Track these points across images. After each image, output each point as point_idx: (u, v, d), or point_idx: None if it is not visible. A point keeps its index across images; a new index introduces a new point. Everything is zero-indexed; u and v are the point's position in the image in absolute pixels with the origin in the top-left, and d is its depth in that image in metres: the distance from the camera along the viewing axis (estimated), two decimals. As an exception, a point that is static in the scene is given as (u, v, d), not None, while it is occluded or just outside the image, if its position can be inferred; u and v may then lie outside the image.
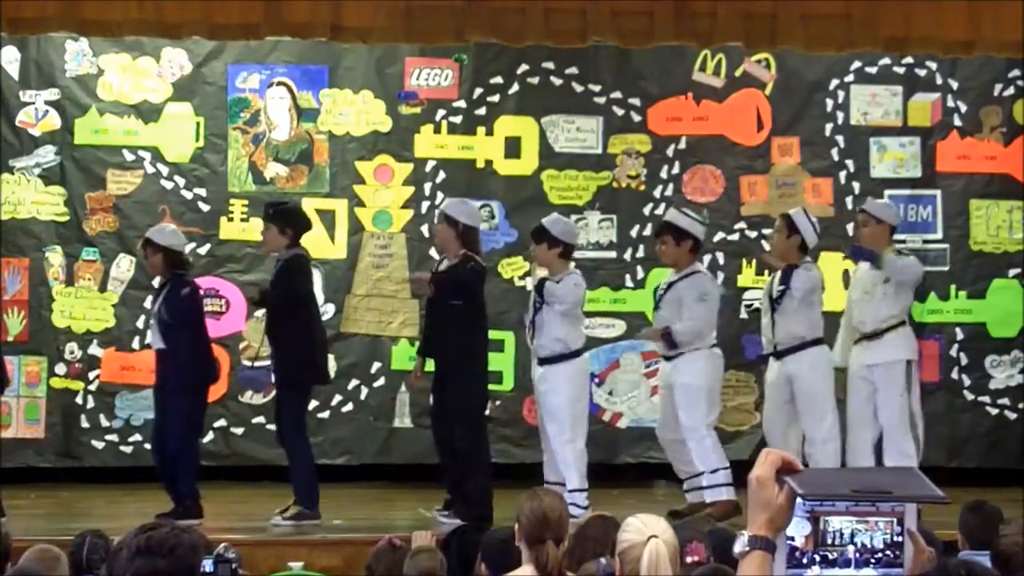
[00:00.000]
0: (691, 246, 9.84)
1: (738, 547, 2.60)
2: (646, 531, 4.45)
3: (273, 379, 10.08)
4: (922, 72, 12.09)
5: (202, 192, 11.77)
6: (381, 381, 11.76)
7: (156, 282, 10.46)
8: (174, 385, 9.66)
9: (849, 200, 12.09)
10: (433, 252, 11.76)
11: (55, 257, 11.56)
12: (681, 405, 9.63)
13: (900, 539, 2.60)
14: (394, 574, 5.93)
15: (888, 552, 2.60)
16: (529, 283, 11.87)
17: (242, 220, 11.75)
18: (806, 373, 9.71)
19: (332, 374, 11.53)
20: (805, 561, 2.61)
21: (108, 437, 11.55)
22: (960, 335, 12.05)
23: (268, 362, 10.28)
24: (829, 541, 2.61)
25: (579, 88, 11.99)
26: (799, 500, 2.59)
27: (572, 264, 9.84)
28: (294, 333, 9.60)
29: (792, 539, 2.61)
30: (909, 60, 12.02)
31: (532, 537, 5.00)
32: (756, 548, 2.59)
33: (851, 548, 2.60)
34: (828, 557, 2.61)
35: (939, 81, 12.12)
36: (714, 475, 9.58)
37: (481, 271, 9.62)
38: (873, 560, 2.60)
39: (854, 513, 2.60)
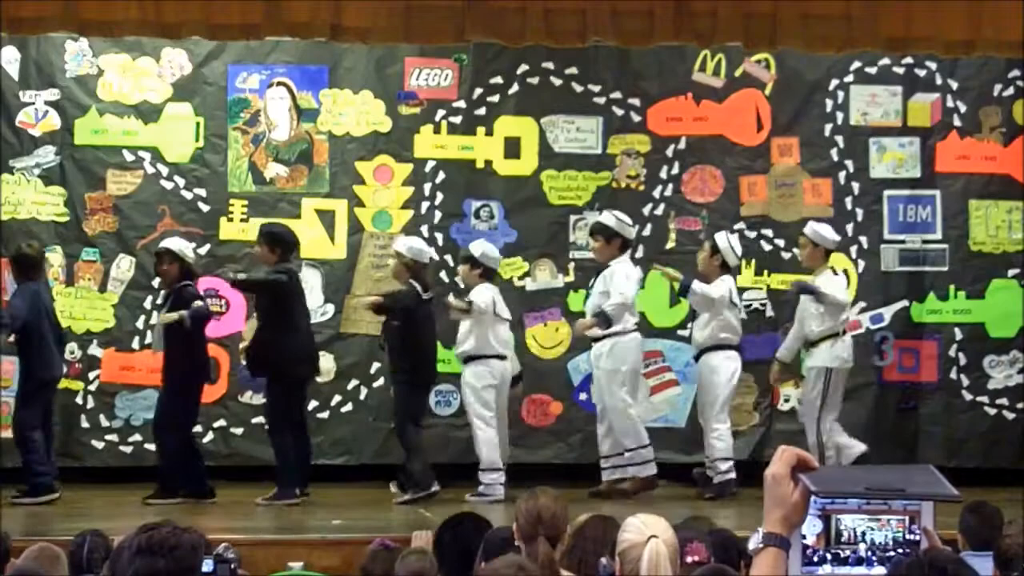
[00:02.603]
0: (620, 244, 10.92)
1: (752, 543, 2.59)
2: (646, 531, 4.45)
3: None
4: (922, 72, 12.09)
5: (202, 192, 11.76)
6: (380, 381, 11.74)
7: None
8: (171, 386, 10.51)
9: (848, 200, 12.09)
10: (433, 253, 11.80)
11: (55, 257, 11.54)
12: (603, 388, 10.83)
13: (912, 537, 2.59)
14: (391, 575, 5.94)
15: (900, 550, 2.60)
16: (528, 284, 11.90)
17: (242, 220, 11.74)
18: (708, 374, 11.07)
19: (332, 374, 11.58)
20: (816, 560, 2.60)
21: (108, 437, 11.54)
22: (959, 335, 12.05)
23: None
24: (841, 539, 2.61)
25: (579, 88, 11.99)
26: (812, 498, 2.58)
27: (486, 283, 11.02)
28: (271, 332, 10.48)
29: (804, 537, 2.60)
30: (909, 60, 12.02)
31: (527, 534, 5.06)
32: (770, 545, 2.57)
33: (863, 546, 2.59)
34: (840, 555, 2.60)
35: (939, 81, 12.11)
36: (634, 453, 10.75)
37: (413, 297, 10.71)
38: (885, 558, 2.59)
39: (866, 512, 2.59)
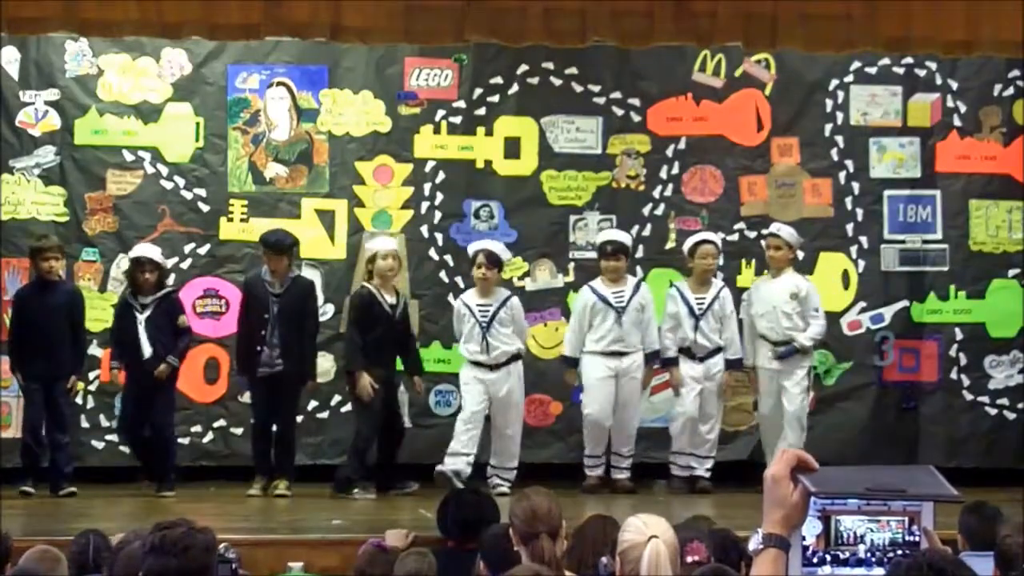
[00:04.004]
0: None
1: (752, 544, 2.59)
2: (647, 531, 4.45)
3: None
4: (922, 72, 12.09)
5: (202, 192, 11.75)
6: (380, 381, 11.72)
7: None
8: (169, 389, 10.91)
9: (849, 200, 12.09)
10: (432, 253, 11.79)
11: (55, 257, 11.52)
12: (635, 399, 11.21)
13: (911, 538, 2.59)
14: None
15: (899, 551, 2.59)
16: (528, 284, 11.89)
17: (242, 220, 11.74)
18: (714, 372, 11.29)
19: (332, 374, 11.58)
20: (816, 560, 2.60)
21: (108, 437, 11.53)
22: (959, 335, 12.05)
23: (280, 365, 10.92)
24: (841, 540, 2.60)
25: (579, 88, 11.98)
26: (812, 499, 2.57)
27: None
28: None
29: (803, 538, 2.59)
30: (909, 60, 12.02)
31: (526, 534, 5.07)
32: (770, 546, 2.57)
33: (862, 547, 2.59)
34: (839, 556, 2.60)
35: (939, 81, 12.11)
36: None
37: None
38: (885, 559, 2.59)
39: (866, 512, 2.58)
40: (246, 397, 11.49)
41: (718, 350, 11.22)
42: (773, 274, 11.27)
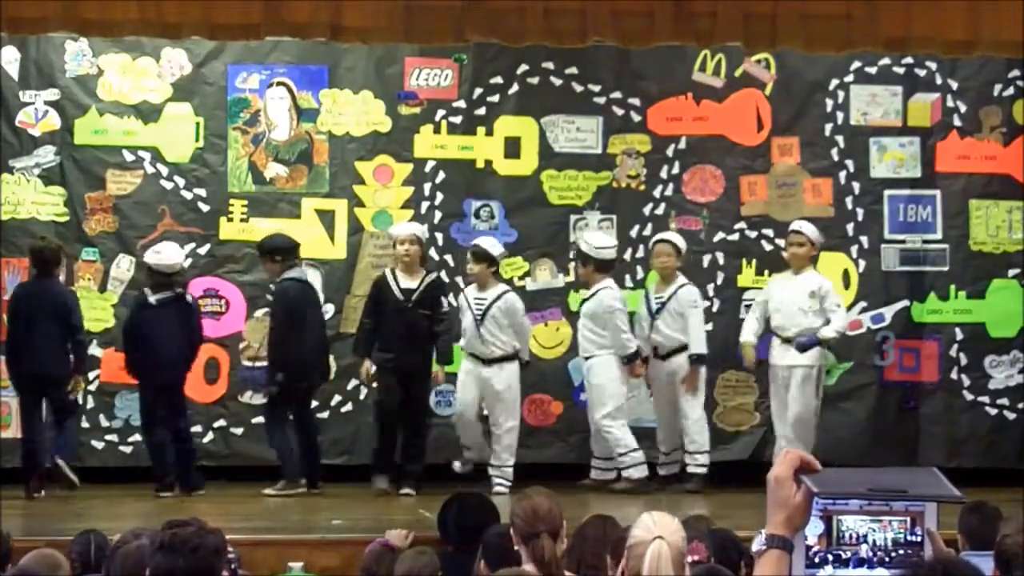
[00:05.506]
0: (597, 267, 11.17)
1: (755, 546, 2.59)
2: (654, 531, 4.45)
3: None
4: (922, 72, 12.09)
5: (202, 192, 11.75)
6: (380, 381, 11.73)
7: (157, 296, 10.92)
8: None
9: (849, 200, 12.09)
10: (432, 253, 11.78)
11: (54, 257, 11.52)
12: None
13: (914, 538, 2.58)
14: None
15: (901, 551, 2.58)
16: (528, 283, 11.89)
17: (242, 220, 11.74)
18: (680, 372, 11.20)
19: (332, 374, 11.58)
20: (818, 560, 2.59)
21: (108, 437, 11.54)
22: (959, 335, 12.05)
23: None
24: (843, 540, 2.60)
25: (579, 88, 11.99)
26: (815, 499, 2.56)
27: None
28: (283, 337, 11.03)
29: (806, 539, 2.59)
30: (909, 60, 12.02)
31: (527, 534, 5.07)
32: (773, 547, 2.56)
33: (864, 547, 2.58)
34: (841, 556, 2.59)
35: (939, 81, 12.11)
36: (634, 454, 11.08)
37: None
38: (887, 560, 2.59)
39: (867, 512, 2.58)
40: (246, 397, 11.52)
41: (683, 348, 11.19)
42: (794, 271, 11.25)
